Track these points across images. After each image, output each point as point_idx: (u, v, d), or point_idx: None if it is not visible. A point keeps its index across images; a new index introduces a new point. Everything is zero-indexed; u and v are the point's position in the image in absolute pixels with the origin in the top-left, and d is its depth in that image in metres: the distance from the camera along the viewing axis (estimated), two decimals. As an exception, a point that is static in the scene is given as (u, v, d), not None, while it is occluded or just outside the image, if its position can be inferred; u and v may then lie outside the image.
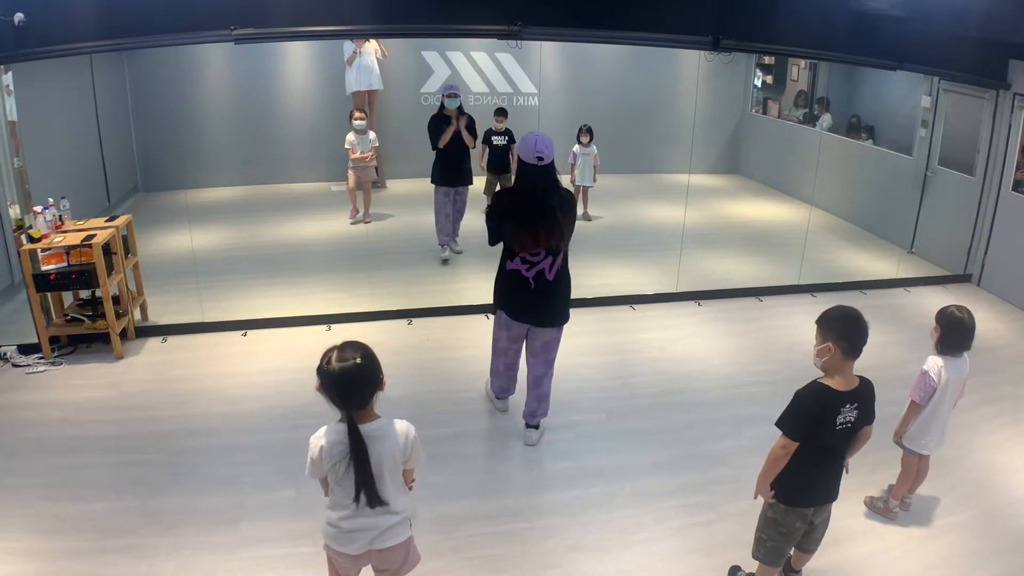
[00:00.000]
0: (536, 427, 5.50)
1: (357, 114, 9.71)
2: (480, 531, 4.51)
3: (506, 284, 5.18)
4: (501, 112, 9.44)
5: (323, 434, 3.07)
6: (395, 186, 11.75)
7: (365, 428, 3.02)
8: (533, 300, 5.13)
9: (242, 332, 7.07)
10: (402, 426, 3.14)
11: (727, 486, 4.94)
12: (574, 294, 7.62)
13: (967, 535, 4.55)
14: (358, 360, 2.94)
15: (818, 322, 3.54)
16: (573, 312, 7.51)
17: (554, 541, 4.44)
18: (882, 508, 4.69)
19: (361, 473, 3.01)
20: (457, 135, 8.37)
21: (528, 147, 4.84)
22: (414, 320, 7.36)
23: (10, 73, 6.30)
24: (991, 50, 8.03)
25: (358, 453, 2.99)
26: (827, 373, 3.50)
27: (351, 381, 2.94)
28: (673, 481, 5.02)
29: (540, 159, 4.82)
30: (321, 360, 2.96)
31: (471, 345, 6.64)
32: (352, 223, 10.11)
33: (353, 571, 3.36)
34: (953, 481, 5.00)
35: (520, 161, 4.91)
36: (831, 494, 3.74)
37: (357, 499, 3.06)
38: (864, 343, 3.45)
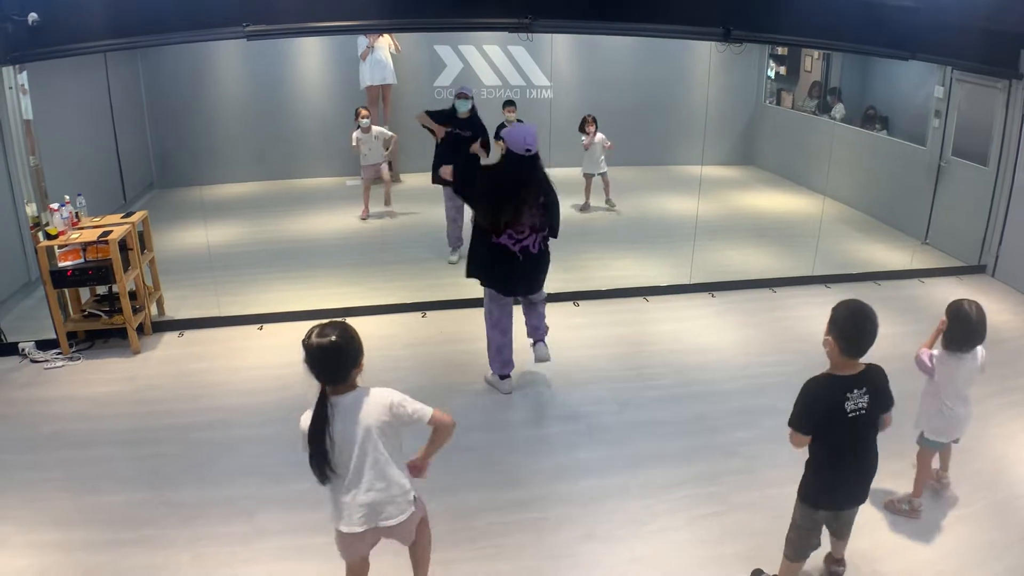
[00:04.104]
0: (543, 342, 6.06)
1: (363, 112, 9.73)
2: (494, 521, 4.54)
3: (491, 259, 5.61)
4: (510, 104, 9.35)
5: (307, 412, 3.21)
6: (409, 180, 11.78)
7: (339, 399, 3.16)
8: (521, 272, 5.63)
9: (258, 326, 7.12)
10: (380, 392, 3.23)
11: (740, 477, 4.95)
12: (586, 286, 7.72)
13: (979, 526, 4.54)
14: (334, 339, 3.12)
15: (831, 311, 3.52)
16: (586, 304, 7.65)
17: (567, 531, 4.47)
18: (907, 510, 4.57)
19: (319, 442, 3.14)
20: (460, 139, 8.31)
21: (518, 140, 5.34)
22: (428, 313, 7.39)
23: (25, 72, 6.36)
24: (1004, 40, 7.97)
25: (319, 421, 3.13)
26: (831, 365, 3.51)
27: (325, 357, 3.13)
28: (686, 471, 5.03)
29: (528, 151, 5.34)
30: (305, 334, 3.15)
31: (483, 337, 6.66)
32: (363, 219, 10.15)
33: (363, 552, 3.44)
34: (965, 472, 4.97)
35: (508, 151, 5.39)
36: (859, 496, 3.71)
37: (322, 473, 3.18)
38: (867, 344, 3.42)
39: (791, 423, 3.53)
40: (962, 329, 4.27)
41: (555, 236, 5.74)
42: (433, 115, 8.38)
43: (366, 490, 3.20)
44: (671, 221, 10.44)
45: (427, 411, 3.29)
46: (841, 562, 4.09)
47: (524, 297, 5.94)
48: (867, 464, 3.65)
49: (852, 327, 3.42)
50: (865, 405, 3.46)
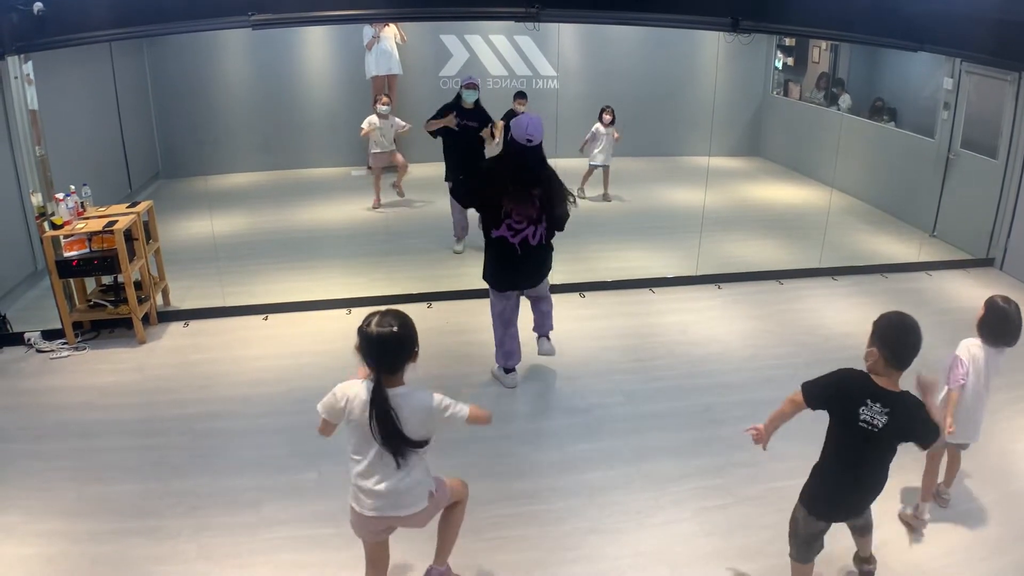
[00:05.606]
0: (547, 337, 6.10)
1: (384, 98, 9.74)
2: (499, 513, 4.53)
3: (491, 253, 5.64)
4: (521, 95, 9.26)
5: (351, 386, 3.20)
6: (414, 170, 11.73)
7: (389, 391, 3.14)
8: (520, 265, 5.61)
9: (263, 316, 7.12)
10: (423, 395, 3.24)
11: (745, 469, 4.93)
12: (592, 277, 7.64)
13: (986, 521, 4.53)
14: (395, 329, 3.10)
15: (873, 324, 3.45)
16: (592, 295, 7.61)
17: (572, 523, 4.46)
18: (913, 516, 4.48)
19: (385, 428, 3.12)
20: (468, 131, 8.29)
21: (521, 129, 5.29)
22: (433, 304, 7.37)
23: (30, 62, 6.35)
24: (1014, 31, 7.88)
25: (382, 410, 3.10)
26: (873, 375, 3.40)
27: (385, 347, 3.11)
28: (691, 464, 5.02)
29: (529, 141, 5.29)
30: (363, 321, 3.13)
31: (490, 328, 6.65)
32: (374, 208, 10.14)
33: (377, 536, 3.44)
34: (974, 467, 4.94)
35: (512, 140, 5.36)
36: (855, 512, 3.66)
37: (381, 455, 3.18)
38: (911, 356, 3.32)
39: (804, 384, 3.49)
40: (996, 321, 4.21)
41: (560, 229, 5.68)
42: (438, 112, 8.36)
43: (387, 479, 3.23)
44: (678, 212, 10.40)
45: (465, 411, 3.33)
46: (870, 560, 4.01)
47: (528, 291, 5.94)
48: (869, 485, 3.55)
49: (894, 339, 3.34)
50: (881, 424, 3.30)
